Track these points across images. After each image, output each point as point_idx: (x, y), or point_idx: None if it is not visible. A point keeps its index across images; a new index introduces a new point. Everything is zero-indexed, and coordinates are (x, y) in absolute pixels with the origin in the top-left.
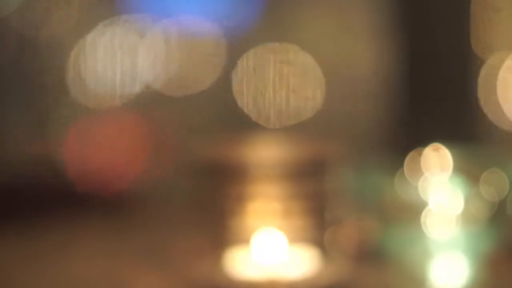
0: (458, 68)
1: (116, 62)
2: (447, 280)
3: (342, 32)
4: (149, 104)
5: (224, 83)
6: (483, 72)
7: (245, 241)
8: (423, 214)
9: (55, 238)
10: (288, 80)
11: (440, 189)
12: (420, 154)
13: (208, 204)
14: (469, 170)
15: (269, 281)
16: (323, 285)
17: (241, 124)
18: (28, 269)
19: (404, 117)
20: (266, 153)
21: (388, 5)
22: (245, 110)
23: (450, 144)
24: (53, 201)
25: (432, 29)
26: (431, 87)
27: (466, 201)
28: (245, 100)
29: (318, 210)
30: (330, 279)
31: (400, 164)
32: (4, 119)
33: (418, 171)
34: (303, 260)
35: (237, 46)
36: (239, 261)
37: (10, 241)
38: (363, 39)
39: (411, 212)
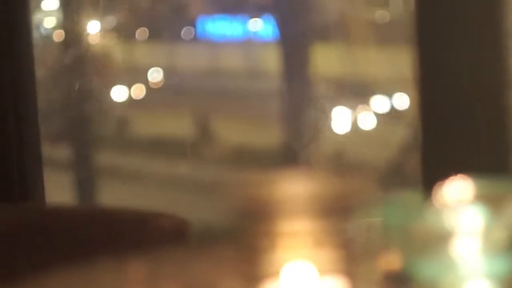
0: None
1: None
2: None
3: None
4: None
5: None
6: None
7: (275, 274)
8: (450, 243)
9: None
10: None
11: (467, 219)
12: (447, 186)
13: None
14: (495, 200)
15: None
16: None
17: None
18: None
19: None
20: (295, 190)
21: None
22: None
23: (477, 175)
24: None
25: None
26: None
27: (492, 231)
28: None
29: (348, 242)
30: None
31: (428, 195)
32: None
33: (445, 203)
34: None
35: None
36: None
37: None
38: None
39: (439, 242)
